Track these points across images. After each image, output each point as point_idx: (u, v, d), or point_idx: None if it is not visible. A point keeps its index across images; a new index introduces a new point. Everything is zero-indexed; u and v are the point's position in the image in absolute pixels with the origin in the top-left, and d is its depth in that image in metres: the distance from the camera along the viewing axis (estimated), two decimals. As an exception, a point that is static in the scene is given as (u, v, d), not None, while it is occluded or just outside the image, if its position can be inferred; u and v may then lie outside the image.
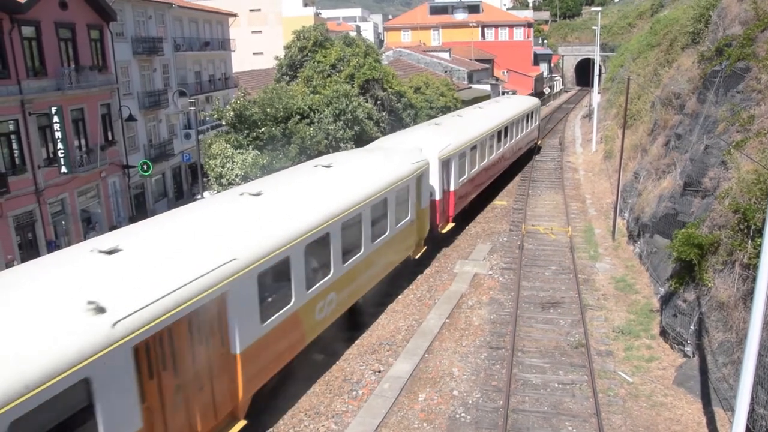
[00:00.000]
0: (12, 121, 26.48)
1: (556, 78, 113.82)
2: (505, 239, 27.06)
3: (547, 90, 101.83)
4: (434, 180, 23.19)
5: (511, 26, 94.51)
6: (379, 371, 16.17)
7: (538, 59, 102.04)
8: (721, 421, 13.36)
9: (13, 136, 26.63)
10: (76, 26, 30.61)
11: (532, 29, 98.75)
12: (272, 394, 14.62)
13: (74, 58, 30.68)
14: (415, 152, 21.97)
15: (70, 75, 29.59)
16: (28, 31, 27.43)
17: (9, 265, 24.64)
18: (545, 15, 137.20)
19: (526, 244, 26.10)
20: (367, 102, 31.84)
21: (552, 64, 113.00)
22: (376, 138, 29.50)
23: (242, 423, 12.29)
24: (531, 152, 46.13)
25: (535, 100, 46.32)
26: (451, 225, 25.52)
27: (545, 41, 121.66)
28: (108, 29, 33.71)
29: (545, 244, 26.39)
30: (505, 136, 34.67)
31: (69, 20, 30.14)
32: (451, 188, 24.89)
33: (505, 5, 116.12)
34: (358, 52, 35.11)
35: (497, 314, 19.49)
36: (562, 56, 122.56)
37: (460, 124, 28.96)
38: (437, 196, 23.46)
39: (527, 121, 41.83)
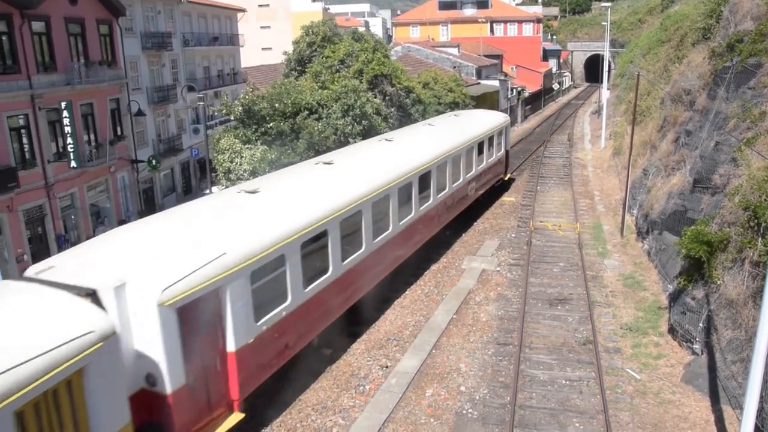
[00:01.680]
0: (22, 116, 26.59)
1: (565, 74, 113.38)
2: (513, 235, 27.00)
3: (556, 86, 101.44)
4: (156, 352, 10.71)
5: (520, 22, 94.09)
6: (387, 366, 16.21)
7: (547, 55, 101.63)
8: (729, 419, 13.31)
9: (23, 131, 26.74)
10: (85, 21, 30.68)
11: (541, 25, 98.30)
12: (279, 388, 14.67)
13: (84, 53, 30.74)
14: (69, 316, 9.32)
15: (79, 70, 29.65)
16: (38, 26, 27.50)
17: (19, 258, 24.82)
18: (554, 11, 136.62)
19: (534, 240, 26.03)
20: (375, 97, 31.79)
21: (561, 60, 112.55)
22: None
23: None
24: (491, 194, 32.92)
25: (500, 119, 32.79)
26: (236, 418, 12.49)
27: (554, 37, 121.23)
28: (117, 24, 33.76)
29: (553, 240, 26.32)
30: (424, 189, 21.59)
31: (78, 15, 30.20)
32: (232, 347, 12.24)
33: (514, 1, 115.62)
34: (366, 47, 35.03)
35: (505, 310, 19.47)
36: (572, 52, 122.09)
37: (309, 187, 16.44)
38: (169, 386, 10.90)
39: (482, 153, 28.71)
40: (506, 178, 35.48)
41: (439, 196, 23.39)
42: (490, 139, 30.21)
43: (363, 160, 19.85)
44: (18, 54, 26.20)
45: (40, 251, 26.27)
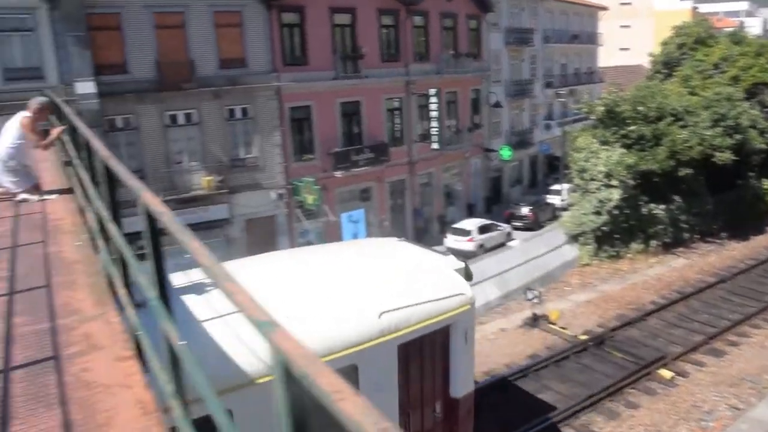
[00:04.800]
0: (397, 99, 29.91)
1: None
2: None
3: None
4: None
5: None
6: (737, 408, 14.54)
7: None
8: None
9: (396, 113, 30.05)
10: (457, 16, 33.06)
11: None
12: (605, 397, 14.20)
13: (453, 45, 33.15)
14: None
15: (448, 61, 32.09)
16: (417, 20, 30.57)
17: (381, 224, 27.99)
18: None
19: None
20: (752, 108, 28.38)
21: None
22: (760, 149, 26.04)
23: None
24: None
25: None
26: None
27: None
28: (484, 20, 35.59)
29: None
30: None
31: (452, 11, 32.68)
32: None
33: None
34: (747, 51, 31.43)
35: None
36: None
37: None
38: None
39: None
40: None
41: None
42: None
43: None
44: (400, 45, 29.48)
45: (397, 221, 29.35)
